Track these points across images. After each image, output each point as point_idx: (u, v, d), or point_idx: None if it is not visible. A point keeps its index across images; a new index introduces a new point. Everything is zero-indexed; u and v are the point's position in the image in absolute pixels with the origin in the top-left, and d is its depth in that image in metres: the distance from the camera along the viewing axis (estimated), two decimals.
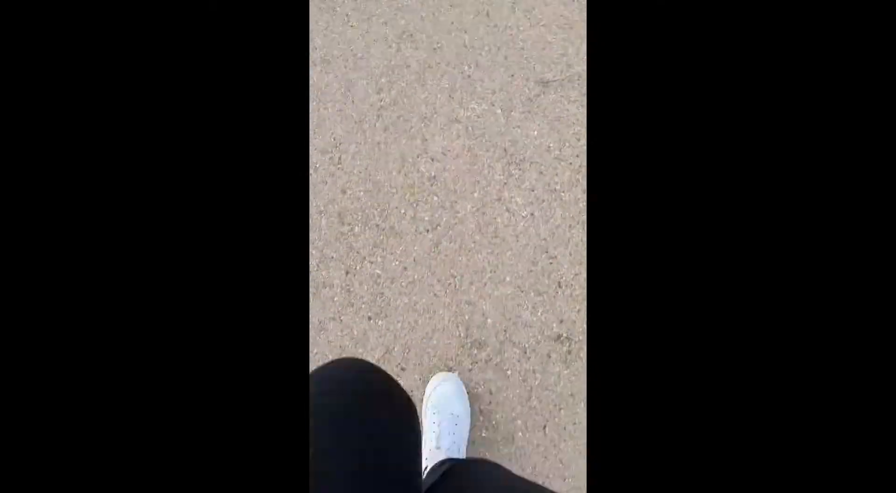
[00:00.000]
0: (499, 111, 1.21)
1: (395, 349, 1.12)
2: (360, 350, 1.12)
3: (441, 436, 1.01)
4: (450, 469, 0.71)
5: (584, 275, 1.10)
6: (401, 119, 1.23)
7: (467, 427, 1.06)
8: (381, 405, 0.55)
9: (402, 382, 1.09)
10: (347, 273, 1.15)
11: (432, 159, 1.19)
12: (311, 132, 1.20)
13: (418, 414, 0.63)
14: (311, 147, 1.19)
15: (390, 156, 1.20)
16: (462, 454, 1.03)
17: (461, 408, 1.05)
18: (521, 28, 1.26)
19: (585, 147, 1.13)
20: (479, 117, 1.22)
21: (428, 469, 0.93)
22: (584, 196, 1.15)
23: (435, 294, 1.13)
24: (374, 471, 0.50)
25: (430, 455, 0.99)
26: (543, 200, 1.16)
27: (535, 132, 1.20)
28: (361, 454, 0.50)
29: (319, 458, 0.48)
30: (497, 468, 0.67)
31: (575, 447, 1.05)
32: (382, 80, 1.25)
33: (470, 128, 1.21)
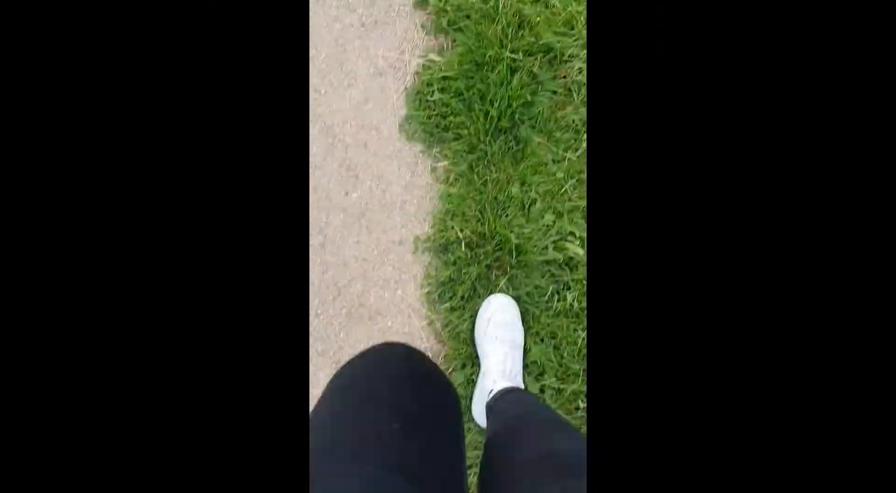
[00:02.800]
0: None
1: None
2: None
3: (506, 362, 0.99)
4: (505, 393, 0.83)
5: None
6: None
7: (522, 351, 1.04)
8: (426, 385, 0.56)
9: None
10: None
11: None
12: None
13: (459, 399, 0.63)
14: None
15: None
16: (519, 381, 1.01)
17: (520, 334, 1.03)
18: None
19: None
20: None
21: (494, 394, 0.92)
22: None
23: None
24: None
25: (499, 379, 0.97)
26: None
27: None
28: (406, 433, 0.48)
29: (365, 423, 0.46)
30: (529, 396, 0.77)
31: None
32: None
33: None
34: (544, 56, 1.08)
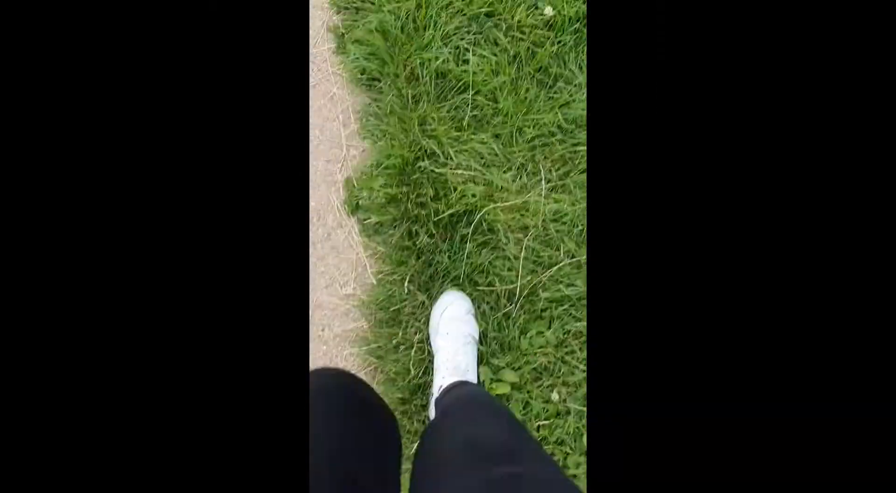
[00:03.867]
0: None
1: None
2: None
3: (457, 357, 0.96)
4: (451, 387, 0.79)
5: None
6: None
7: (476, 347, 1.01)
8: (362, 414, 0.55)
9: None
10: None
11: None
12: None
13: (398, 424, 0.64)
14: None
15: None
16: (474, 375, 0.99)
17: (471, 327, 1.00)
18: None
19: None
20: None
21: (443, 389, 0.90)
22: None
23: None
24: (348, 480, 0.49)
25: (448, 375, 0.95)
26: None
27: None
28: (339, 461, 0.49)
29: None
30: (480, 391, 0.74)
31: None
32: None
33: None
34: None
